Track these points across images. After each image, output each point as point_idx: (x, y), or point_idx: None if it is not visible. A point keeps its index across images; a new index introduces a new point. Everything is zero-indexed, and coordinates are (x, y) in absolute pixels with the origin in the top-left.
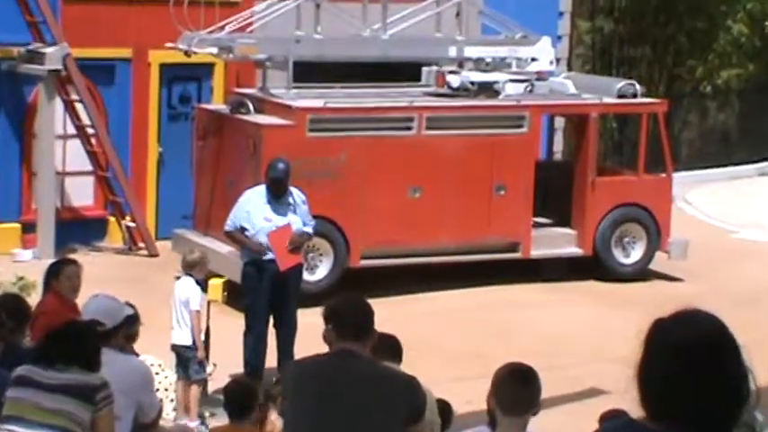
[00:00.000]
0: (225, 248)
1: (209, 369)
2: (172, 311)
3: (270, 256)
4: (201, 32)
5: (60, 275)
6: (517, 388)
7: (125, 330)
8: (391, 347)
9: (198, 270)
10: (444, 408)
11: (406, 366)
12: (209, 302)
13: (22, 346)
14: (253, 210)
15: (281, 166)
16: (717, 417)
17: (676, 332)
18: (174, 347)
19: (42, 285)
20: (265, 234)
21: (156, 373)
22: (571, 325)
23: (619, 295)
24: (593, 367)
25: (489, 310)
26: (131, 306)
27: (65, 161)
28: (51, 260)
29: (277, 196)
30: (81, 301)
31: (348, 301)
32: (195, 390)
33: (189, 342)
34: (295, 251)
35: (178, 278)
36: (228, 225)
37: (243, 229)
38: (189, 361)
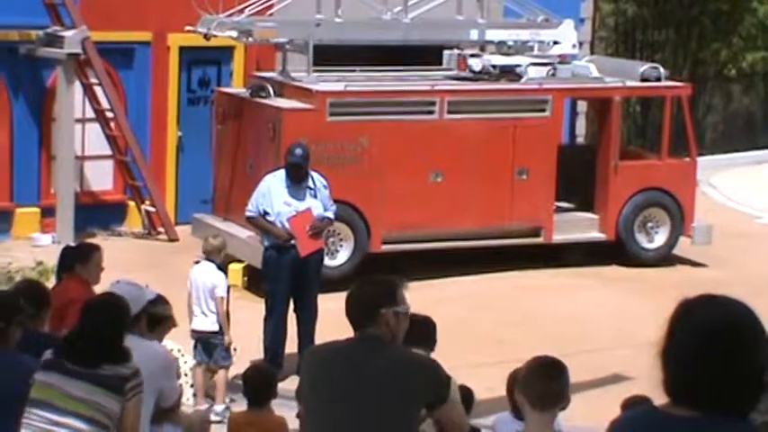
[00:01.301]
0: (245, 233)
1: (192, 362)
2: (191, 297)
3: (292, 241)
4: (221, 16)
5: (90, 261)
6: (546, 382)
7: (150, 315)
8: (421, 332)
9: (220, 255)
10: (466, 394)
11: None
12: (229, 287)
13: (42, 332)
14: (273, 194)
15: (299, 150)
16: (736, 400)
17: (701, 313)
18: (197, 333)
19: (59, 268)
20: (285, 219)
21: (176, 359)
22: (593, 310)
23: (642, 281)
24: (616, 353)
25: (511, 296)
26: (161, 296)
27: (84, 145)
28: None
29: (297, 181)
30: (101, 287)
31: (356, 285)
32: (222, 375)
33: (216, 328)
34: (316, 236)
35: (197, 263)
36: (250, 210)
37: (265, 214)
38: (215, 347)
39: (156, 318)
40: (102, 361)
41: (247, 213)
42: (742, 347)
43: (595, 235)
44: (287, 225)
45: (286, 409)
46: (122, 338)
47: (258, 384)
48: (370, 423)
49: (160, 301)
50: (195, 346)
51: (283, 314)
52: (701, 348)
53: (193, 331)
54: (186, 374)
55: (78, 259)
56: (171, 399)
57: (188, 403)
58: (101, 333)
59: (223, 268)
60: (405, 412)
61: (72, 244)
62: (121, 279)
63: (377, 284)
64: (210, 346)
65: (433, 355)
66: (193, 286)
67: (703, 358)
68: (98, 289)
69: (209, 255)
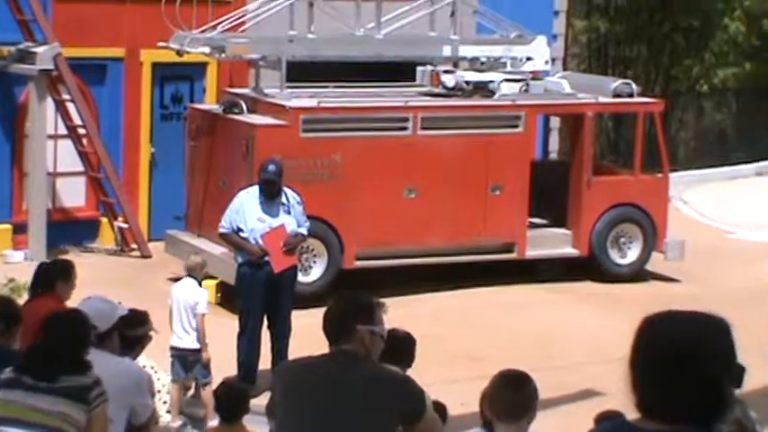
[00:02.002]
0: (218, 250)
1: (166, 379)
2: (172, 315)
3: (265, 257)
4: (194, 32)
5: (71, 279)
6: (510, 394)
7: (124, 332)
8: (400, 348)
9: (202, 272)
10: (439, 409)
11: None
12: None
13: (11, 350)
14: (247, 210)
15: (272, 167)
16: (700, 414)
17: (661, 329)
18: (177, 351)
19: (36, 285)
20: (259, 235)
21: (149, 375)
22: (566, 326)
23: (615, 296)
24: (588, 368)
25: (484, 312)
26: (139, 312)
27: (56, 161)
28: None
29: (270, 197)
30: (72, 303)
31: (333, 300)
32: (208, 392)
33: (197, 346)
34: (290, 252)
35: (175, 280)
36: (224, 227)
37: (239, 230)
38: (194, 364)
39: (135, 338)
40: (62, 374)
41: (221, 230)
42: (700, 363)
43: (568, 251)
44: (260, 242)
45: (259, 425)
46: (83, 353)
47: (230, 400)
48: None
49: (138, 321)
50: (173, 364)
51: (257, 330)
52: (661, 364)
53: (173, 348)
54: (159, 391)
55: (61, 277)
56: (143, 416)
57: (163, 421)
58: (61, 348)
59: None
60: (380, 428)
61: (46, 260)
62: (92, 295)
63: (355, 301)
64: (189, 364)
65: (408, 371)
66: (174, 303)
67: (665, 374)
68: (69, 305)
69: (191, 272)
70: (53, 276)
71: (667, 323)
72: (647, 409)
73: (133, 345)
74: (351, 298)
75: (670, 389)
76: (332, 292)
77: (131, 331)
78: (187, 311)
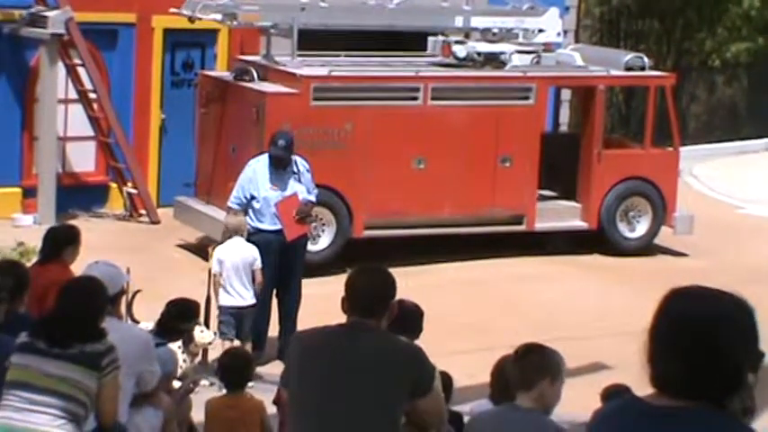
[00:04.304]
0: None
1: (211, 338)
2: (217, 278)
3: (277, 226)
4: None
5: (79, 244)
6: (519, 359)
7: (177, 324)
8: (409, 319)
9: (244, 231)
10: (445, 380)
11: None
12: (210, 272)
13: (21, 313)
14: (259, 179)
15: (281, 142)
16: (717, 391)
17: (688, 304)
18: (236, 309)
19: (45, 250)
20: (273, 203)
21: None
22: (575, 299)
23: (623, 269)
24: (596, 341)
25: (492, 283)
26: (192, 305)
27: (66, 126)
28: (52, 225)
29: (281, 167)
30: (77, 268)
31: (366, 273)
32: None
33: (254, 301)
34: (302, 221)
35: (218, 244)
36: (234, 201)
37: (252, 198)
38: (249, 319)
39: (184, 330)
40: (78, 341)
41: (230, 205)
42: (723, 340)
43: (578, 223)
44: (274, 210)
45: (264, 393)
46: (99, 321)
47: (234, 369)
48: (358, 409)
49: (192, 314)
50: (224, 323)
51: (268, 298)
52: (683, 338)
53: (232, 308)
54: (182, 367)
55: (70, 242)
56: (150, 383)
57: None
58: (77, 316)
59: None
60: (392, 399)
61: (54, 226)
62: (99, 260)
63: (387, 274)
64: (245, 321)
65: (415, 343)
66: (227, 265)
67: (686, 348)
68: (74, 269)
69: (236, 232)
70: (60, 242)
71: (694, 298)
72: (663, 383)
73: (181, 335)
74: (385, 274)
75: (689, 364)
76: (339, 262)
77: (185, 324)
78: (246, 269)
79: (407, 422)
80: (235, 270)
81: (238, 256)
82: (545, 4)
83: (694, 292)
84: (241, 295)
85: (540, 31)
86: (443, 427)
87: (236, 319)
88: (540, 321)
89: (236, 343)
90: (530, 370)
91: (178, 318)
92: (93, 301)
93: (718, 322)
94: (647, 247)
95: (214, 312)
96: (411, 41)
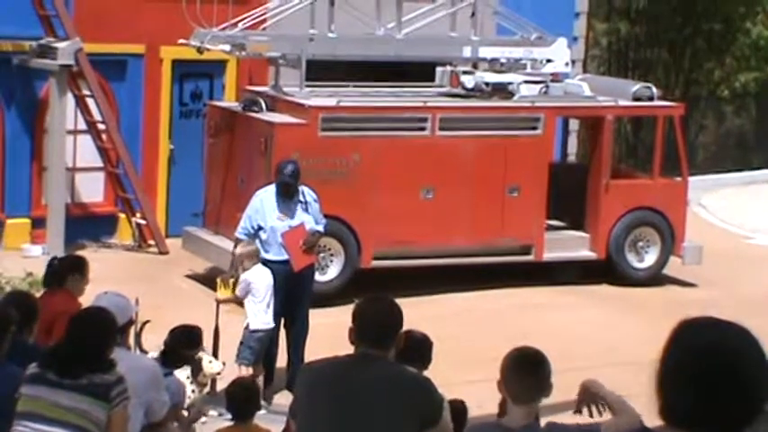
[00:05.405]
0: None
1: (219, 368)
2: (257, 300)
3: (284, 256)
4: (214, 29)
5: (85, 274)
6: (524, 377)
7: (183, 351)
8: (418, 349)
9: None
10: (459, 408)
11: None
12: (217, 301)
13: (30, 343)
14: (266, 209)
15: (288, 169)
16: (731, 423)
17: (703, 335)
18: (271, 330)
19: (50, 280)
20: (280, 234)
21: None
22: (583, 329)
23: (631, 300)
24: (604, 371)
25: (501, 313)
26: (198, 331)
27: (75, 157)
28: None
29: (288, 197)
30: (86, 299)
31: (374, 303)
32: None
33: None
34: (309, 251)
35: (244, 270)
36: (241, 232)
37: (259, 228)
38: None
39: (190, 357)
40: (88, 372)
41: (238, 234)
42: (740, 371)
43: (586, 253)
44: (281, 240)
45: (273, 423)
46: (109, 352)
47: (241, 399)
48: None
49: (198, 341)
50: (252, 349)
51: (275, 329)
52: (697, 369)
53: (258, 330)
54: (190, 398)
55: (75, 271)
56: (159, 413)
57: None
58: (87, 346)
59: None
60: (400, 430)
61: (56, 256)
62: (108, 290)
63: (394, 304)
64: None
65: (424, 373)
66: (258, 287)
67: (700, 380)
68: (82, 300)
69: (251, 258)
70: (63, 272)
71: (706, 328)
72: (673, 416)
73: (186, 361)
74: (392, 304)
75: (703, 396)
76: (348, 292)
77: (189, 350)
78: (271, 294)
79: None
80: (267, 292)
81: (267, 280)
82: (553, 35)
83: (706, 323)
84: (270, 316)
85: (549, 61)
86: None
87: (267, 342)
88: (549, 351)
89: (250, 371)
90: (534, 386)
91: (182, 344)
92: (103, 332)
93: (736, 353)
94: (655, 278)
95: (222, 342)
96: (419, 72)
